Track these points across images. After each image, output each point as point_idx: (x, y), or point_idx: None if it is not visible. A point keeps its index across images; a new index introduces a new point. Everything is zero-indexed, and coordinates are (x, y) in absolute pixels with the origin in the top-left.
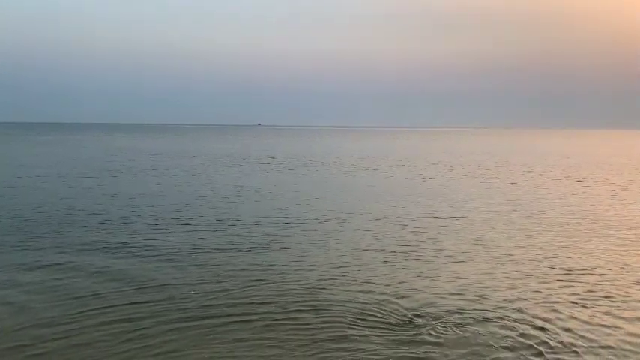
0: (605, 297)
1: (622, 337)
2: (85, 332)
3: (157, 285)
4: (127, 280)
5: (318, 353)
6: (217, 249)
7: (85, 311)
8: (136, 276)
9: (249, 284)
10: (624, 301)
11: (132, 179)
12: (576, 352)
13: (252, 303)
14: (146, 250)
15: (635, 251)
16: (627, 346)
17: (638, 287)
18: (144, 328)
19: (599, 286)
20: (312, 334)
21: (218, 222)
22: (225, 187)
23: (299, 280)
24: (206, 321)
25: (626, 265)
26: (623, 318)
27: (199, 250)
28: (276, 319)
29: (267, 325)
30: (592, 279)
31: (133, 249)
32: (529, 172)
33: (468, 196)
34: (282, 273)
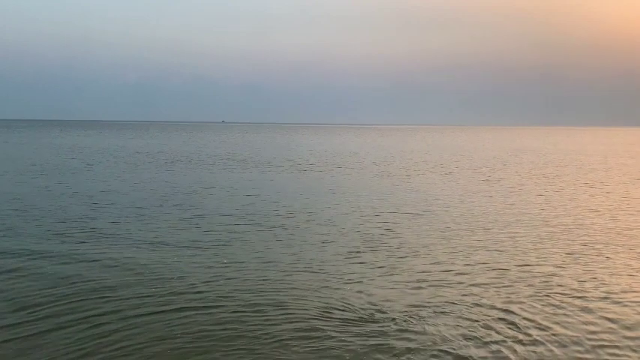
0: (559, 286)
1: (579, 326)
2: (41, 331)
3: (116, 281)
4: (84, 277)
5: (281, 347)
6: (179, 246)
7: (39, 310)
8: (94, 273)
9: (211, 280)
10: (579, 290)
11: (88, 176)
12: (537, 340)
13: (216, 297)
14: (107, 247)
15: (579, 240)
16: (583, 334)
17: (590, 277)
18: (103, 323)
19: (555, 277)
20: (276, 329)
21: (180, 220)
22: (188, 185)
23: (262, 276)
24: (167, 315)
25: (572, 254)
26: (577, 306)
27: (161, 248)
28: (238, 312)
29: (230, 320)
30: (547, 270)
31: (93, 246)
32: (502, 167)
33: (430, 192)
34: (245, 269)
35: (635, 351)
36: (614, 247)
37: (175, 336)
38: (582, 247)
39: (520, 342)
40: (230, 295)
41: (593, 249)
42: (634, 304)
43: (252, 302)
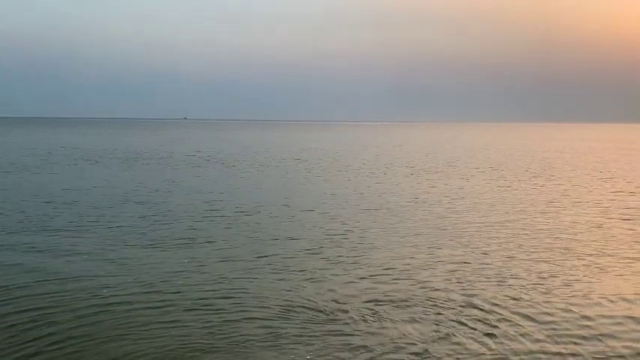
0: (518, 278)
1: (540, 309)
2: None
3: (70, 278)
4: (43, 274)
5: (236, 345)
6: (138, 245)
7: None
8: (51, 271)
9: (167, 278)
10: (539, 282)
11: (46, 174)
12: (498, 327)
13: (169, 295)
14: (69, 246)
15: (538, 234)
16: (543, 316)
17: (549, 269)
18: (56, 321)
19: (515, 269)
20: (231, 326)
21: (141, 218)
22: (152, 184)
23: (221, 273)
24: (115, 314)
25: (528, 247)
26: (537, 298)
27: (120, 246)
28: (195, 309)
29: (182, 317)
30: (507, 263)
31: (52, 245)
32: (451, 165)
33: (392, 189)
34: (204, 266)
35: (598, 339)
36: (571, 239)
37: (129, 332)
38: (540, 240)
39: (480, 333)
40: (185, 292)
41: (551, 241)
42: (593, 293)
43: (207, 297)
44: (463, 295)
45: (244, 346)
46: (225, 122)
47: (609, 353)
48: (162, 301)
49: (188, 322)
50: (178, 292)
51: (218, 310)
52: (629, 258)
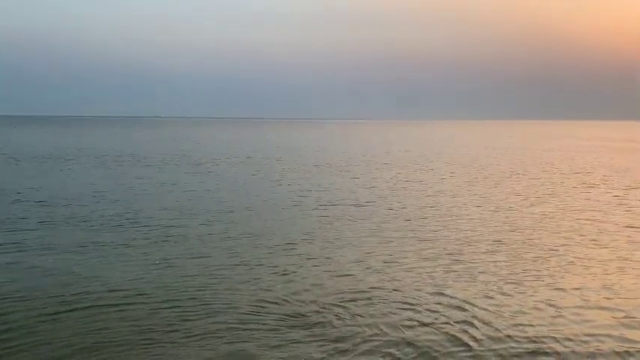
0: (490, 272)
1: (510, 304)
2: None
3: (38, 278)
4: (5, 272)
5: (208, 343)
6: (108, 244)
7: None
8: (17, 269)
9: (137, 277)
10: (510, 274)
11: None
12: (468, 322)
13: (136, 294)
14: (35, 245)
15: (507, 227)
16: (515, 315)
17: (520, 261)
18: (18, 322)
19: (487, 263)
20: (196, 324)
21: (113, 216)
22: (126, 182)
23: (192, 271)
24: (80, 312)
25: (500, 240)
26: (508, 290)
27: (90, 246)
28: (160, 309)
29: (151, 316)
30: (478, 256)
31: (20, 244)
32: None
33: (366, 185)
34: (176, 264)
35: (566, 326)
36: (540, 231)
37: (95, 330)
38: (510, 233)
39: (453, 328)
40: (151, 292)
41: (521, 234)
42: (562, 284)
43: (173, 297)
44: (435, 291)
45: (212, 347)
46: (202, 120)
47: (581, 349)
48: (126, 301)
49: (151, 322)
50: (144, 293)
51: (184, 310)
52: (596, 247)
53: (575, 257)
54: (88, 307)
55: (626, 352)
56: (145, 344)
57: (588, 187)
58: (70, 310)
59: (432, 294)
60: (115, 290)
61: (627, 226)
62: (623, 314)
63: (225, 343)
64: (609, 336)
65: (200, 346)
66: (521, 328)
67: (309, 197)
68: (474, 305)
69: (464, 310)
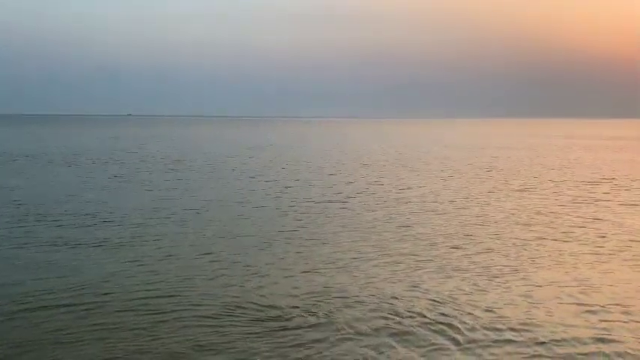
0: (465, 266)
1: (486, 299)
2: None
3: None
4: None
5: (177, 346)
6: (77, 245)
7: None
8: None
9: (104, 278)
10: (485, 268)
11: None
12: (447, 317)
13: (106, 293)
14: (7, 245)
15: (475, 222)
16: (489, 305)
17: (495, 255)
18: None
19: (461, 258)
20: (169, 325)
21: (86, 215)
22: (99, 181)
23: (163, 271)
24: (34, 312)
25: (470, 235)
26: (484, 281)
27: (57, 247)
28: (128, 310)
29: (117, 318)
30: (453, 251)
31: None
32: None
33: (342, 181)
34: (146, 264)
35: (542, 318)
36: (511, 226)
37: (36, 340)
38: (479, 227)
39: (429, 324)
40: (119, 293)
41: (492, 229)
42: (535, 278)
43: (146, 296)
44: (411, 286)
45: (179, 345)
46: (175, 118)
47: (557, 338)
48: (90, 300)
49: (117, 324)
50: (109, 292)
51: (154, 310)
52: (567, 241)
53: (545, 251)
54: (45, 307)
55: (600, 339)
56: (108, 344)
57: (557, 184)
58: (26, 310)
59: (407, 290)
60: (79, 290)
61: (595, 219)
62: (595, 306)
63: (193, 341)
64: (583, 326)
65: (165, 344)
66: (499, 321)
67: (285, 195)
68: (450, 300)
69: (441, 304)
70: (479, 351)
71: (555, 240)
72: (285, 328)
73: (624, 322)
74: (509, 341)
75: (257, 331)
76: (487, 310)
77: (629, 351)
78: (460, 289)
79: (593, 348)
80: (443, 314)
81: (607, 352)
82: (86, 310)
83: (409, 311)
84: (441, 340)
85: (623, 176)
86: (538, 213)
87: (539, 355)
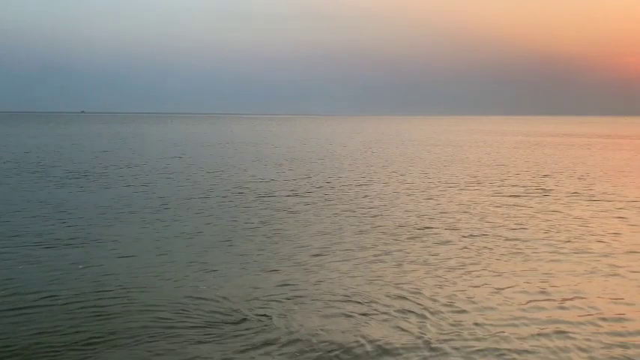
0: (445, 263)
1: (444, 292)
2: None
3: None
4: None
5: (127, 343)
6: (24, 244)
7: None
8: None
9: (50, 279)
10: (440, 259)
11: None
12: (411, 312)
13: (51, 295)
14: None
15: (447, 218)
16: (448, 299)
17: (466, 251)
18: None
19: (439, 254)
20: (121, 324)
21: (32, 217)
22: (53, 176)
23: (116, 271)
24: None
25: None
26: (442, 276)
27: (6, 246)
28: (79, 312)
29: (64, 320)
30: (426, 247)
31: None
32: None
33: (307, 177)
34: (99, 264)
35: (510, 311)
36: (467, 218)
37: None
38: (439, 220)
39: (393, 315)
40: (69, 294)
41: (450, 221)
42: (500, 269)
43: (92, 300)
44: (373, 281)
45: (131, 347)
46: (130, 115)
47: (525, 330)
48: (36, 304)
49: (61, 328)
50: (56, 296)
51: (101, 310)
52: (524, 232)
53: (506, 242)
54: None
55: (562, 332)
56: (50, 350)
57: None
58: None
59: (369, 284)
60: (24, 294)
61: (554, 211)
62: (559, 296)
63: (145, 342)
64: (550, 318)
65: (118, 346)
66: (460, 313)
67: (247, 191)
68: (410, 294)
69: (401, 298)
70: (441, 345)
71: (511, 229)
72: (237, 331)
73: (580, 308)
74: (472, 333)
75: (208, 329)
76: (448, 303)
77: (582, 337)
78: (421, 282)
79: (551, 336)
80: (403, 309)
81: (563, 340)
82: (26, 314)
83: (373, 307)
84: (401, 335)
85: (568, 169)
86: (492, 205)
87: (500, 348)
